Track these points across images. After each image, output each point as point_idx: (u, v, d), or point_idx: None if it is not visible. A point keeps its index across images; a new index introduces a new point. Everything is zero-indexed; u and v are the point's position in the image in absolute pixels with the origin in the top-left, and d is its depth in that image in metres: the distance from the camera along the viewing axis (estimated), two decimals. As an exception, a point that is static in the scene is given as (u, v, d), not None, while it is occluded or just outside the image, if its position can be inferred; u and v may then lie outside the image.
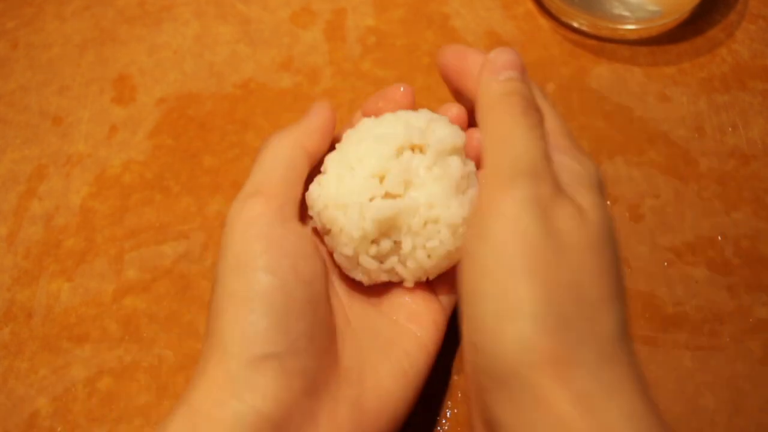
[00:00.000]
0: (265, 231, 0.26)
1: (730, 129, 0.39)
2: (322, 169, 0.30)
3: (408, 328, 0.29)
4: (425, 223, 0.28)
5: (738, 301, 0.34)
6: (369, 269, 0.29)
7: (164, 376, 0.33)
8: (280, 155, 0.29)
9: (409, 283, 0.30)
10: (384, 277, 0.30)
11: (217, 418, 0.23)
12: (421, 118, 0.30)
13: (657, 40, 0.43)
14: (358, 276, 0.29)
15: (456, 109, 0.32)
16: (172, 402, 0.33)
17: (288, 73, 0.43)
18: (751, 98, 0.40)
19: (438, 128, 0.29)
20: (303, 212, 0.30)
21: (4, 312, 0.36)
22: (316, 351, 0.25)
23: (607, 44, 0.43)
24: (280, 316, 0.24)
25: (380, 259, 0.29)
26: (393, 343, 0.28)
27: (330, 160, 0.30)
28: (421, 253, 0.28)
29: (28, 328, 0.35)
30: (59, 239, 0.38)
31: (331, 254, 0.30)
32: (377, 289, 0.31)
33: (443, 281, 0.31)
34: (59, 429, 0.32)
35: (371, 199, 0.28)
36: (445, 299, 0.31)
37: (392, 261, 0.29)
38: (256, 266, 0.25)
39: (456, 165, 0.29)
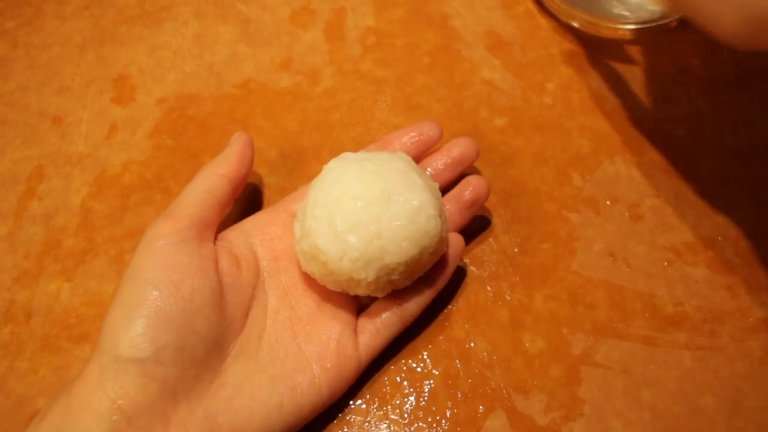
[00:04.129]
0: (159, 248, 0.30)
1: (730, 129, 0.39)
2: (303, 215, 0.32)
3: (309, 366, 0.30)
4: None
5: (738, 301, 0.34)
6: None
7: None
8: (199, 182, 0.33)
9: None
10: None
11: (87, 403, 0.27)
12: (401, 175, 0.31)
13: (657, 40, 0.43)
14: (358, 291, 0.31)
15: (442, 162, 0.36)
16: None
17: (288, 73, 0.43)
18: (751, 98, 0.40)
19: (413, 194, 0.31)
20: (228, 223, 0.34)
21: (4, 312, 0.36)
22: (183, 361, 0.28)
23: (607, 44, 0.43)
24: (151, 325, 0.27)
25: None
26: (287, 375, 0.30)
27: (312, 213, 0.31)
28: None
29: (28, 328, 0.35)
30: (59, 239, 0.38)
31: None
32: (315, 322, 0.32)
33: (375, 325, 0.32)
34: (59, 429, 0.32)
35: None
36: (365, 350, 0.32)
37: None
38: (143, 278, 0.29)
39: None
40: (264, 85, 0.43)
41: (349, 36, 0.44)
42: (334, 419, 0.32)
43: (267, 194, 0.39)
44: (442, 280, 0.33)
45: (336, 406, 0.32)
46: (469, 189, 0.35)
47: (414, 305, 0.32)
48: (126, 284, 0.29)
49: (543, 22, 0.44)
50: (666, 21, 0.43)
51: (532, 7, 0.45)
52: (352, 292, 0.31)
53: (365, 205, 0.30)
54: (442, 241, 0.31)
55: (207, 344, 0.29)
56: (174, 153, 0.40)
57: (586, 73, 0.42)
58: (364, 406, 0.33)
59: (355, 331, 0.32)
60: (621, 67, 0.42)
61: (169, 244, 0.30)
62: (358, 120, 0.41)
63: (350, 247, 0.29)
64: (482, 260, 0.36)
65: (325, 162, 0.33)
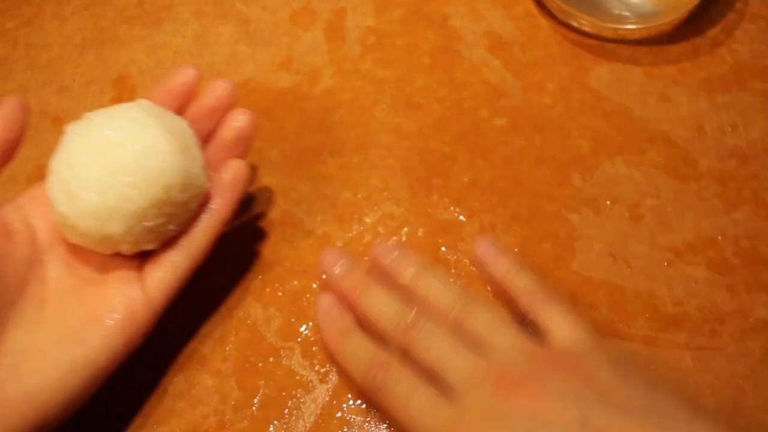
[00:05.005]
0: None
1: (730, 129, 0.39)
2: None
3: (98, 320, 0.30)
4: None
5: (738, 301, 0.34)
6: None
7: (163, 376, 0.33)
8: None
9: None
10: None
11: None
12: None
13: (657, 40, 0.43)
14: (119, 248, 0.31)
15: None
16: (172, 403, 0.33)
17: (288, 73, 0.43)
18: (752, 98, 0.40)
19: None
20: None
21: (3, 312, 0.36)
22: None
23: (607, 44, 0.43)
24: None
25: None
26: (75, 332, 0.29)
27: (50, 184, 0.31)
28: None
29: (27, 328, 0.35)
30: (59, 239, 0.38)
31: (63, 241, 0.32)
32: (101, 279, 0.31)
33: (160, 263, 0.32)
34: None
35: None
36: (155, 291, 0.31)
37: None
38: None
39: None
40: (264, 85, 0.43)
41: (349, 36, 0.44)
42: (334, 419, 0.32)
43: (267, 194, 0.39)
44: (223, 208, 0.33)
45: (335, 405, 0.32)
46: (229, 126, 0.34)
47: (198, 236, 0.32)
48: None
49: (543, 22, 0.44)
50: (666, 21, 0.43)
51: (532, 7, 0.45)
52: (121, 250, 0.31)
53: (96, 159, 0.29)
54: (194, 176, 0.31)
55: None
56: (174, 153, 0.40)
57: (586, 73, 0.42)
58: (364, 406, 0.33)
59: (143, 279, 0.31)
60: (621, 67, 0.42)
61: None
62: (358, 120, 0.41)
63: (88, 203, 0.29)
64: (482, 260, 0.36)
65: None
